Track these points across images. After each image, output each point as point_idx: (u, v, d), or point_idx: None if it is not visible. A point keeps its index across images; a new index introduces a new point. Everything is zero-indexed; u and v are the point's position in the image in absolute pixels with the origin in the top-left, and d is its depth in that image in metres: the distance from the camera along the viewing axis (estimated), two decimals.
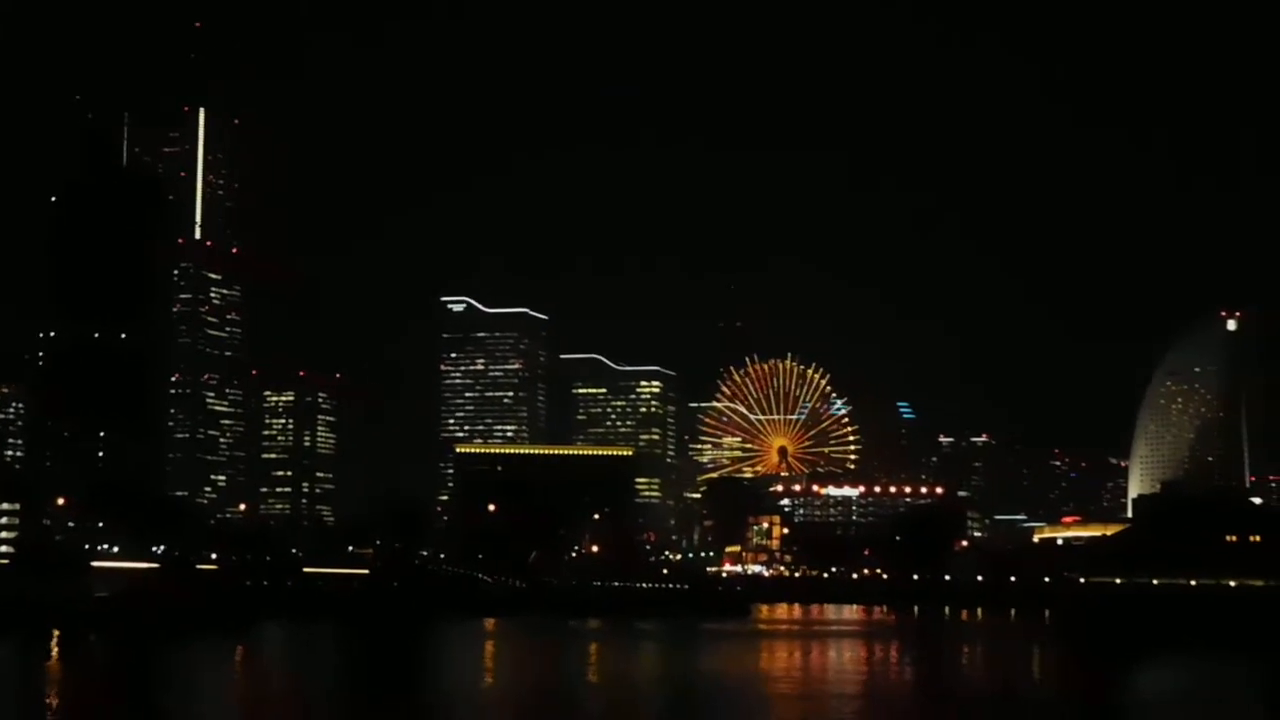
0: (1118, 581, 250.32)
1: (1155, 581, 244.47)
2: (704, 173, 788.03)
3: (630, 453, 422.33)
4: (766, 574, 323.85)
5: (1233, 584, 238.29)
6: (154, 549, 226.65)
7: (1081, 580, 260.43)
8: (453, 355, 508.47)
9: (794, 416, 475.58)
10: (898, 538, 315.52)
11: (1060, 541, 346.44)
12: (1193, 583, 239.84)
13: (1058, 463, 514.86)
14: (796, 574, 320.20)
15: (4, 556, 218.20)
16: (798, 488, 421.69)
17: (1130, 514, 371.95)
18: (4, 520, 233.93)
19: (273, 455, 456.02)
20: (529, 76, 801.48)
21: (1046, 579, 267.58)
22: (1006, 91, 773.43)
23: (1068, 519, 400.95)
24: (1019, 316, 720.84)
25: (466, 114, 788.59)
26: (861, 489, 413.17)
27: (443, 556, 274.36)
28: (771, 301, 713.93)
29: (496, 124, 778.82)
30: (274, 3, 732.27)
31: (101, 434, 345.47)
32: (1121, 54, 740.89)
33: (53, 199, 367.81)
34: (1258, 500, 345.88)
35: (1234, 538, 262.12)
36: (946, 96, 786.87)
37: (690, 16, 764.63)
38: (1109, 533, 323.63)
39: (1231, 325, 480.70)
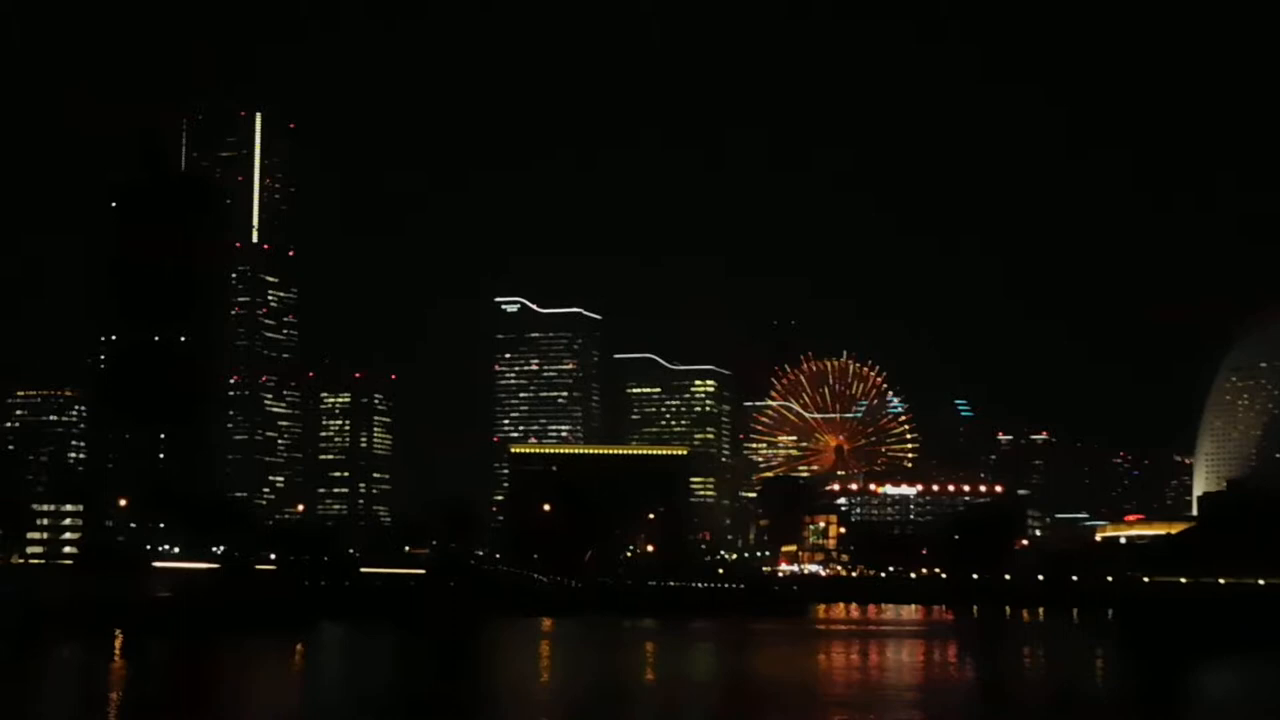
0: (1183, 581, 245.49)
1: (1222, 581, 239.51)
2: (745, 171, 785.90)
3: (685, 452, 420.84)
4: (823, 573, 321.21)
5: None
6: (213, 549, 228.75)
7: (1145, 580, 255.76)
8: (507, 356, 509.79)
9: (850, 415, 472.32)
10: (956, 537, 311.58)
11: (1123, 540, 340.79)
12: (1260, 582, 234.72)
13: (1119, 460, 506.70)
14: (853, 573, 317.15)
15: (67, 557, 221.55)
16: (854, 486, 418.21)
17: (1195, 512, 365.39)
18: (67, 521, 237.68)
19: (329, 456, 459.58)
20: (580, 71, 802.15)
21: (1109, 579, 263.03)
22: (1018, 93, 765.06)
23: (1130, 517, 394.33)
24: (1080, 314, 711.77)
25: (519, 110, 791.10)
26: (919, 488, 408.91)
27: (498, 556, 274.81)
28: (824, 299, 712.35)
29: (549, 121, 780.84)
30: (316, 5, 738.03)
31: (161, 436, 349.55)
32: (1134, 49, 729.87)
33: (113, 204, 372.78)
34: None
35: None
36: (970, 102, 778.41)
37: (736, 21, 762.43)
38: (1173, 531, 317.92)
39: None
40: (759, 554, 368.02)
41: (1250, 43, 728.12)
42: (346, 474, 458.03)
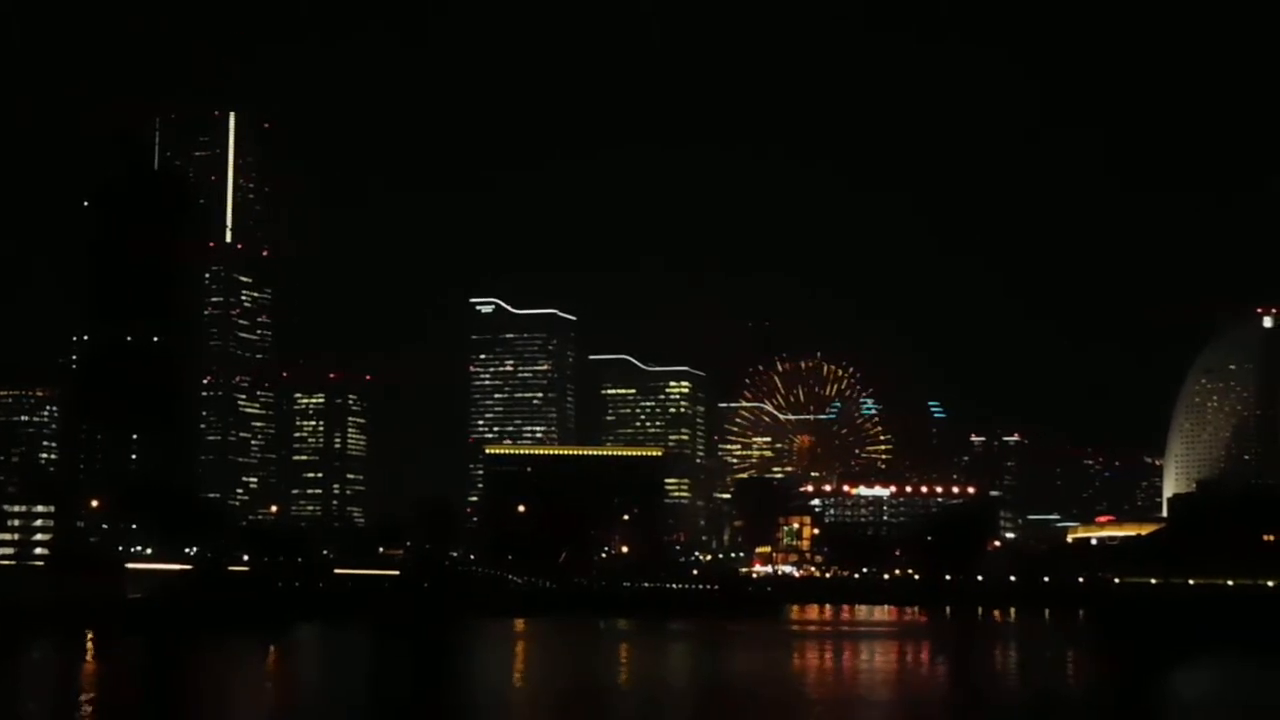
0: (1153, 582, 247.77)
1: (1191, 582, 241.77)
2: (726, 174, 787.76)
3: (659, 453, 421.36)
4: (797, 574, 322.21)
5: (1271, 584, 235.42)
6: (186, 550, 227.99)
7: (1116, 580, 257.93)
8: (482, 356, 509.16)
9: (824, 416, 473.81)
10: (929, 538, 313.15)
11: (1094, 541, 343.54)
12: (1230, 583, 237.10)
13: (1091, 462, 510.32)
14: (827, 574, 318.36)
15: (39, 558, 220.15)
16: (828, 488, 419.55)
17: (1165, 513, 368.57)
18: (39, 522, 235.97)
19: (303, 457, 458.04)
20: (552, 78, 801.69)
21: (1081, 579, 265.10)
22: (1011, 93, 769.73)
23: (1102, 518, 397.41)
24: (1053, 315, 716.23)
25: (490, 115, 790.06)
26: (892, 489, 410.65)
27: (473, 557, 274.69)
28: (798, 300, 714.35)
29: (520, 125, 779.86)
30: (310, 3, 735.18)
31: (134, 436, 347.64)
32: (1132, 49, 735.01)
33: (86, 203, 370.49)
34: None
35: (1271, 537, 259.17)
36: (957, 102, 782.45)
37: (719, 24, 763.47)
38: (1144, 532, 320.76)
39: (1268, 322, 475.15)
40: (734, 555, 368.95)
41: (1249, 45, 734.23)
42: (320, 475, 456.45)
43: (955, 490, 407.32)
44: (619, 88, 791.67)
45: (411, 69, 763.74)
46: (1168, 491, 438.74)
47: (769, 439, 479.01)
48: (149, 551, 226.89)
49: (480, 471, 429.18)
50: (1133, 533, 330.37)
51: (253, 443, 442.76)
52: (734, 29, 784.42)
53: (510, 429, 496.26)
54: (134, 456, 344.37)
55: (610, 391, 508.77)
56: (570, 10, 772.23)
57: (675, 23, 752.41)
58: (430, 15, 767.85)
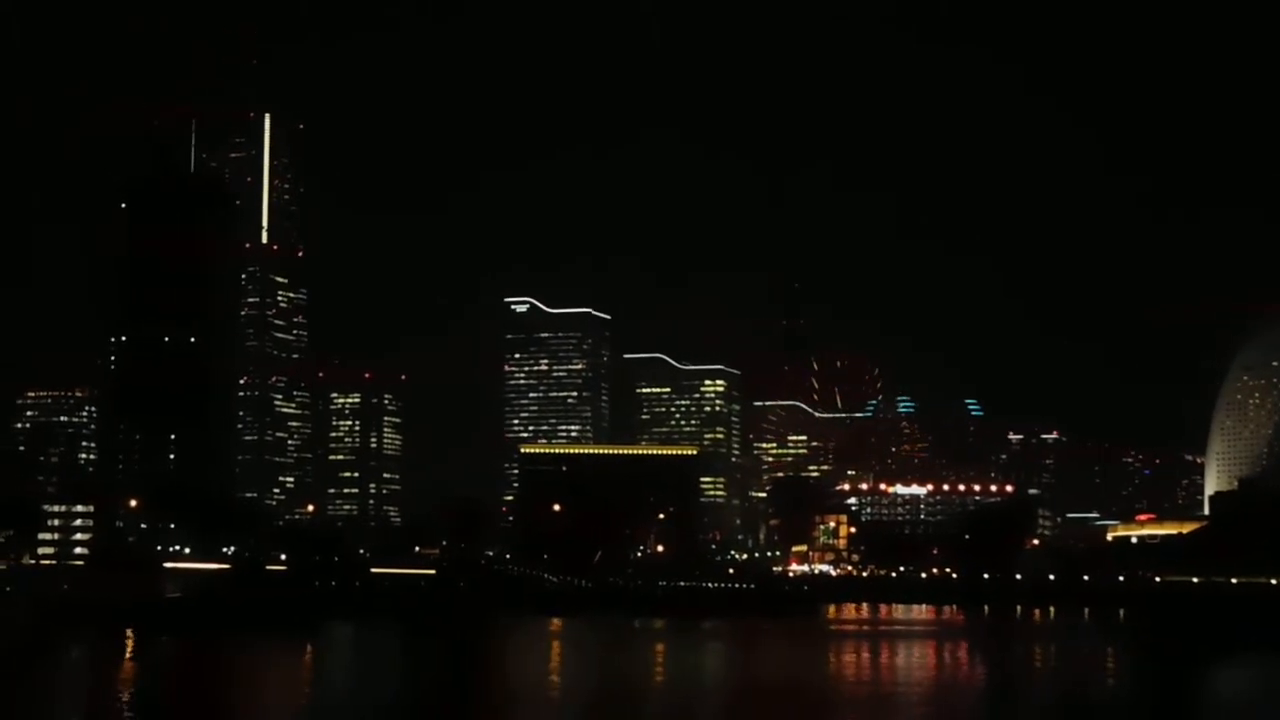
0: (1195, 581, 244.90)
1: (1234, 580, 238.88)
2: (750, 170, 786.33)
3: (694, 452, 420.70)
4: (834, 573, 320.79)
5: None
6: (224, 550, 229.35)
7: (1157, 579, 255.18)
8: (516, 356, 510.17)
9: (859, 414, 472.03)
10: (967, 536, 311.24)
11: (1134, 540, 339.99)
12: (1273, 581, 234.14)
13: (1130, 460, 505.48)
14: (864, 573, 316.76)
15: (78, 557, 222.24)
16: (864, 486, 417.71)
17: (1207, 511, 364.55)
18: (78, 522, 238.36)
19: (339, 456, 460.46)
20: (552, 78, 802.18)
21: (1121, 578, 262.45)
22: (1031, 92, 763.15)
23: (1142, 517, 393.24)
24: (1091, 312, 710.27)
25: (523, 110, 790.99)
26: (929, 487, 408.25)
27: (508, 556, 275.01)
28: (837, 299, 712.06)
29: (552, 121, 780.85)
30: (324, 7, 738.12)
31: (171, 436, 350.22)
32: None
33: (122, 205, 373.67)
34: None
35: None
36: (970, 104, 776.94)
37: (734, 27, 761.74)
38: (1185, 531, 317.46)
39: None
40: (769, 554, 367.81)
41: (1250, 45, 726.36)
42: (356, 474, 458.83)
43: (993, 488, 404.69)
44: (618, 87, 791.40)
45: (409, 69, 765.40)
46: (1209, 489, 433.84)
47: (804, 437, 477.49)
48: (187, 551, 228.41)
49: (515, 471, 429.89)
50: (1173, 531, 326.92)
51: (289, 442, 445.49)
52: (734, 29, 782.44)
53: (545, 428, 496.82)
54: (171, 456, 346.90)
55: (645, 390, 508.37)
56: (570, 10, 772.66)
57: (675, 22, 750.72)
58: (429, 15, 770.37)
